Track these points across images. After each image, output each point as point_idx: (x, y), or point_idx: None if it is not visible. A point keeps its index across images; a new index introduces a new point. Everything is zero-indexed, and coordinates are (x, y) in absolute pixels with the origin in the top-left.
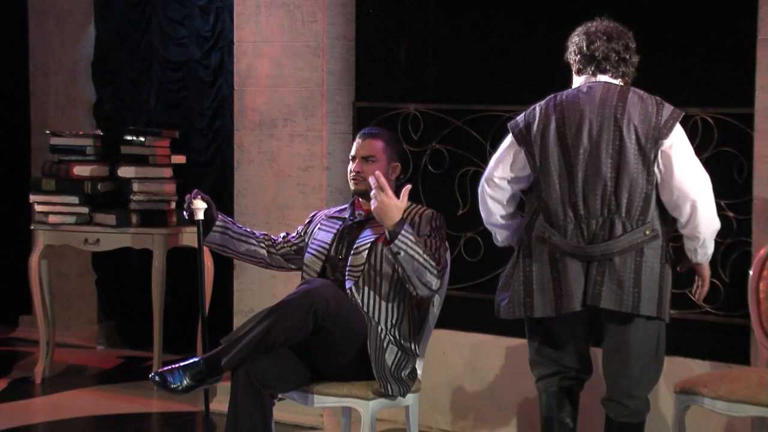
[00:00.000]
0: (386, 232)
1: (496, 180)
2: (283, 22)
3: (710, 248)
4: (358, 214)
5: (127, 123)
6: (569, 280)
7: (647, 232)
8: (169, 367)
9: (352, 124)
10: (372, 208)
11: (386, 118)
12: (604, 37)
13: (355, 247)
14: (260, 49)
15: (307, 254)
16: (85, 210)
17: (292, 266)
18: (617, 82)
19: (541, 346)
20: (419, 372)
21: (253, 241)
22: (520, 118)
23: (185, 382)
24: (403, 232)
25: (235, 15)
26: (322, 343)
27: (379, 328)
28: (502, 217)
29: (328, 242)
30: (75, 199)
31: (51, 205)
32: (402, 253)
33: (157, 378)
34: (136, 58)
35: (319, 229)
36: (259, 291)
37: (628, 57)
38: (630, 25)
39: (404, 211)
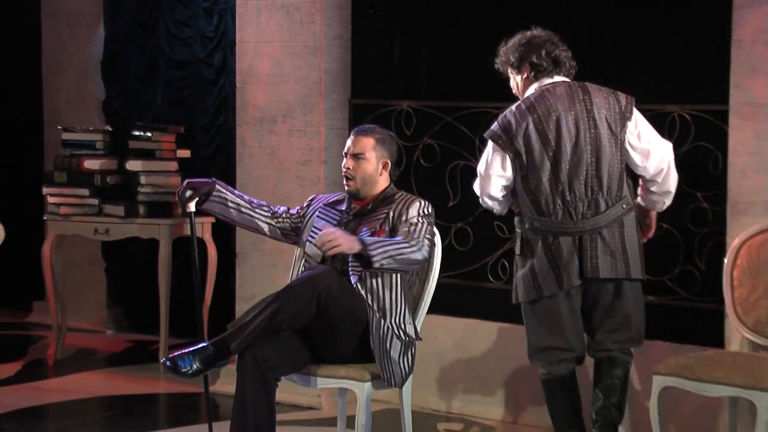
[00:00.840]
0: (355, 259)
1: (493, 194)
2: (282, 23)
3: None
4: (353, 208)
5: (135, 119)
6: (564, 259)
7: (624, 206)
8: (179, 352)
9: (348, 120)
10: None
11: (381, 114)
12: (550, 44)
13: None
14: (261, 49)
15: (308, 245)
16: (94, 201)
17: (288, 241)
18: (568, 80)
19: (551, 332)
20: (414, 358)
21: (250, 211)
22: (496, 127)
23: (195, 366)
24: (369, 250)
25: (237, 16)
26: (324, 326)
27: (383, 322)
28: (500, 205)
29: None
30: (85, 191)
31: (63, 197)
32: (384, 263)
33: (168, 363)
34: (143, 57)
35: (318, 217)
36: (260, 278)
37: (570, 58)
38: (613, 26)
39: (393, 200)
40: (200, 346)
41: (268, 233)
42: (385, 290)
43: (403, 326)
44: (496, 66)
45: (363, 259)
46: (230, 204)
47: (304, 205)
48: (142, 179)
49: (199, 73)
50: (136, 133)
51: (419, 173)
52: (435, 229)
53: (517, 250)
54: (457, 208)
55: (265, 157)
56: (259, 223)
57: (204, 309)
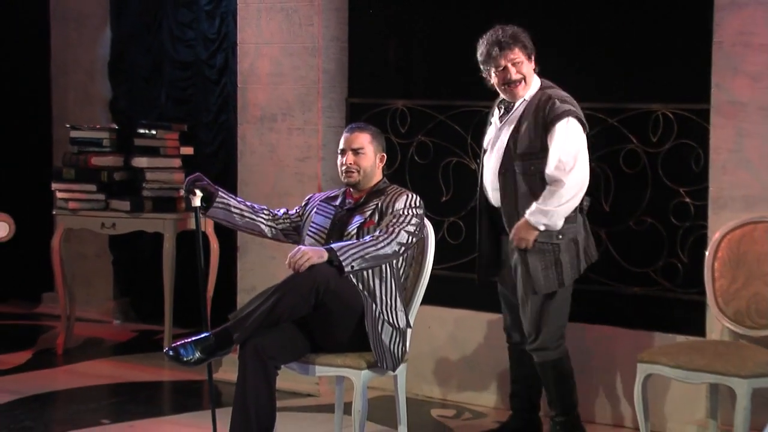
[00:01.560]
0: (328, 263)
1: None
2: (282, 25)
3: None
4: (348, 203)
5: (140, 118)
6: (590, 234)
7: None
8: (182, 341)
9: (345, 118)
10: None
11: (376, 113)
12: None
13: (346, 233)
14: (261, 50)
15: (306, 238)
16: (101, 197)
17: (290, 241)
18: None
19: (568, 310)
20: (408, 345)
21: (252, 216)
22: (573, 109)
23: (196, 355)
24: (338, 255)
25: (239, 18)
26: (322, 317)
27: (374, 306)
28: None
29: (326, 227)
30: (93, 187)
31: (71, 192)
32: (354, 264)
33: (170, 352)
34: (148, 58)
35: (315, 213)
36: (260, 270)
37: None
38: (599, 28)
39: (384, 192)
40: (202, 336)
41: (269, 235)
42: (376, 279)
43: (394, 313)
44: (505, 50)
45: (336, 266)
46: (233, 209)
47: (302, 204)
48: (147, 175)
49: (201, 73)
50: (142, 131)
51: (414, 170)
52: (426, 221)
53: (561, 235)
54: (449, 203)
55: (266, 154)
56: (261, 226)
57: (207, 300)
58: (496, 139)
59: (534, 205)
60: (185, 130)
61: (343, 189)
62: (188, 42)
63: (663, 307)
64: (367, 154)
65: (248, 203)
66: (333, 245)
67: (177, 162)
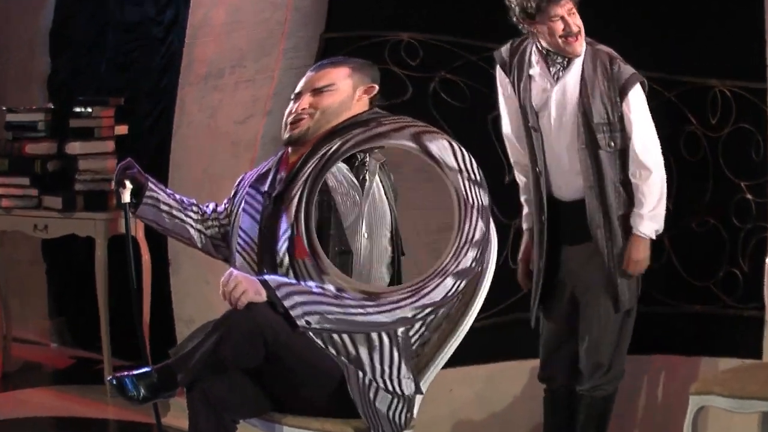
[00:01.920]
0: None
1: None
2: None
3: None
4: (279, 178)
5: (80, 93)
6: None
7: None
8: (126, 373)
9: (316, 57)
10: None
11: (364, 46)
12: None
13: (278, 260)
14: None
15: (237, 256)
16: (34, 192)
17: (220, 257)
18: None
19: None
20: (415, 411)
21: (181, 215)
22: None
23: (141, 393)
24: (280, 299)
25: None
26: (279, 374)
27: (360, 374)
28: None
29: (255, 239)
30: (26, 181)
31: (4, 187)
32: (312, 321)
33: (114, 382)
34: (92, 23)
35: (243, 210)
36: (196, 296)
37: None
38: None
39: (363, 124)
40: (143, 371)
41: (198, 245)
42: (359, 347)
43: (395, 382)
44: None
45: (282, 311)
46: (162, 206)
47: (231, 194)
48: (80, 164)
49: (148, 33)
50: (78, 109)
51: (443, 108)
52: (492, 231)
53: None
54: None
55: (203, 122)
56: (190, 230)
57: (144, 325)
58: (562, 103)
59: (637, 214)
60: (122, 105)
61: (279, 154)
62: (136, 0)
63: (716, 326)
64: (338, 89)
65: (177, 197)
66: (268, 278)
67: (110, 145)
